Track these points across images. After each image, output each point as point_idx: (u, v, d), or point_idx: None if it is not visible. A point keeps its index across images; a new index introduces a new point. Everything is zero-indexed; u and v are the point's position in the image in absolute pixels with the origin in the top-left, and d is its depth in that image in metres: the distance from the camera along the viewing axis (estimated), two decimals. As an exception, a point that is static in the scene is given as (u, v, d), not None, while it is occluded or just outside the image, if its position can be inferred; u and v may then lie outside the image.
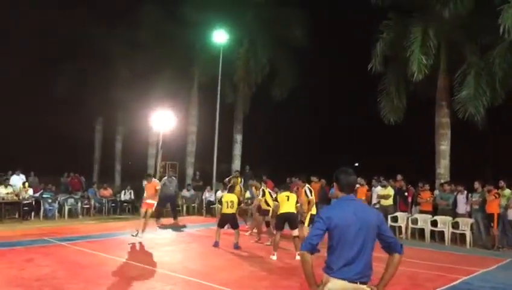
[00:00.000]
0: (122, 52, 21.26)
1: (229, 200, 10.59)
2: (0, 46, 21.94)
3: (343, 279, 3.22)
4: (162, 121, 16.91)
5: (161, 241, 11.21)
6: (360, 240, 3.22)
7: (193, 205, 18.02)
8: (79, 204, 16.04)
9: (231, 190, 11.16)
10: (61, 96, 22.44)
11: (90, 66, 21.96)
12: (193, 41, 19.59)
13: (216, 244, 10.43)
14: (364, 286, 3.22)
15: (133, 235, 11.15)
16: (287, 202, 9.51)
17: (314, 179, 13.40)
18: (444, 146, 15.15)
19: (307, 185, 10.10)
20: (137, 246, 10.32)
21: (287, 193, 9.66)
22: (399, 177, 14.86)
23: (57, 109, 23.24)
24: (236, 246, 10.27)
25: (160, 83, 20.55)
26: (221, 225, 10.74)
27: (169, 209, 15.33)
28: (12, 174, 15.87)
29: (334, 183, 3.51)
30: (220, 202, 11.08)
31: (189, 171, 21.50)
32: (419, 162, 17.41)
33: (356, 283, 3.21)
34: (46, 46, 22.00)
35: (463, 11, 13.53)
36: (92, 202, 16.70)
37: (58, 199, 15.60)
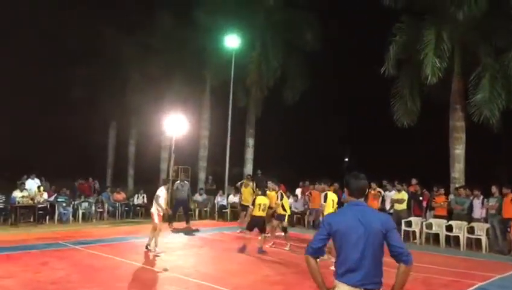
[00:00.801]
0: (136, 57, 21.47)
1: (262, 203, 10.50)
2: (16, 50, 22.33)
3: (348, 284, 3.23)
4: (175, 125, 16.94)
5: (174, 245, 11.25)
6: (363, 245, 3.21)
7: (205, 209, 18.06)
8: (93, 208, 16.20)
9: (264, 192, 11.04)
10: (75, 101, 22.75)
11: (104, 70, 22.23)
12: (205, 45, 19.68)
13: (243, 250, 10.25)
14: None
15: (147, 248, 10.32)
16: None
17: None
18: (458, 150, 14.97)
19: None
20: (151, 251, 10.34)
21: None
22: (414, 181, 14.75)
23: (71, 113, 23.58)
24: (261, 251, 10.23)
25: (172, 87, 20.73)
26: (250, 227, 10.56)
27: (181, 213, 15.38)
28: (27, 179, 16.09)
29: (345, 188, 3.53)
30: (253, 204, 10.80)
31: (202, 175, 21.57)
32: (433, 166, 17.18)
33: (360, 289, 3.20)
34: (61, 51, 22.35)
35: (477, 12, 13.36)
36: (106, 206, 16.84)
37: (73, 202, 15.77)
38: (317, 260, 3.37)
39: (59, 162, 23.96)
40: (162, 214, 10.51)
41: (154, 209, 10.30)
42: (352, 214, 3.33)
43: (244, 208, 12.38)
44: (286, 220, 11.51)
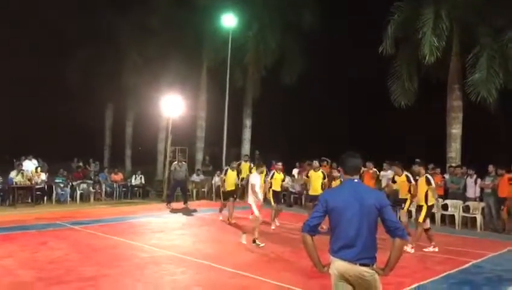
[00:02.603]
0: (133, 38, 21.20)
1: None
2: (12, 34, 22.04)
3: (343, 260, 3.29)
4: (172, 106, 16.94)
5: (172, 225, 11.32)
6: (358, 221, 3.27)
7: (203, 189, 18.14)
8: (91, 189, 16.23)
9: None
10: (71, 83, 22.55)
11: (100, 52, 21.96)
12: (202, 25, 19.44)
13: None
14: (365, 268, 3.26)
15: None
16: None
17: (323, 162, 13.28)
18: (455, 130, 14.98)
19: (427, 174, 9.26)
20: (149, 230, 10.44)
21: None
22: (417, 160, 14.73)
23: (68, 95, 23.40)
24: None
25: (169, 68, 20.54)
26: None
27: (179, 193, 15.44)
28: (24, 159, 16.06)
29: (340, 167, 3.63)
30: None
31: (199, 156, 21.59)
32: (430, 146, 17.21)
33: (356, 264, 3.25)
34: (57, 33, 22.05)
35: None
36: (103, 186, 16.88)
37: (70, 183, 15.80)
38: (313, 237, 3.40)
39: (57, 144, 23.93)
40: (260, 203, 9.39)
41: (251, 200, 9.10)
42: (347, 191, 3.41)
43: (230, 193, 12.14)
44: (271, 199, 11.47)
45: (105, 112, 26.49)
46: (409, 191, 9.53)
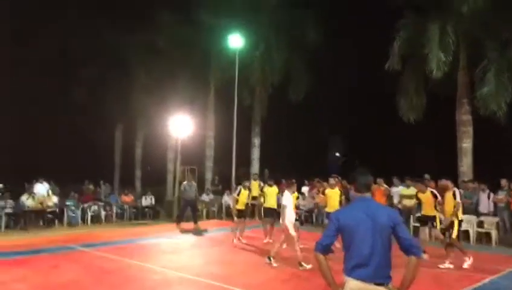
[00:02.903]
0: (140, 58, 21.52)
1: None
2: (21, 53, 22.45)
3: (357, 279, 3.23)
4: (180, 126, 17.04)
5: (183, 246, 11.28)
6: (371, 239, 3.23)
7: (213, 209, 18.09)
8: (101, 211, 16.27)
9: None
10: (81, 103, 22.84)
11: (109, 72, 22.29)
12: (209, 45, 19.68)
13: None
14: (381, 287, 3.19)
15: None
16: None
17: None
18: (466, 144, 14.88)
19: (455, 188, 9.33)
20: (160, 251, 10.40)
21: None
22: (426, 176, 14.64)
23: (78, 117, 23.67)
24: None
25: (177, 88, 20.74)
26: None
27: (190, 213, 15.40)
28: (36, 183, 16.18)
29: (352, 184, 3.61)
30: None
31: (208, 175, 21.59)
32: (441, 161, 17.09)
33: (370, 283, 3.20)
34: (66, 53, 22.46)
35: (482, 6, 13.28)
36: (114, 208, 16.91)
37: (82, 205, 15.86)
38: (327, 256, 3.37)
39: (66, 166, 24.10)
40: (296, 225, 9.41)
41: (287, 222, 8.90)
42: (359, 209, 3.38)
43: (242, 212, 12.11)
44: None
45: (114, 133, 26.72)
46: (435, 207, 9.52)
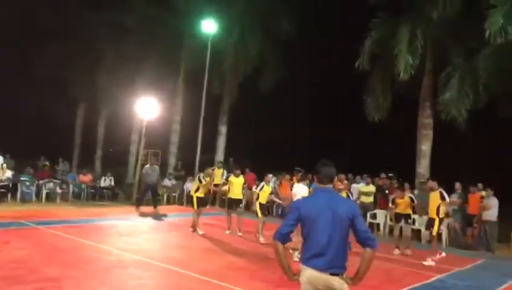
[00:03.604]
0: (108, 36, 20.88)
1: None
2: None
3: (313, 268, 3.30)
4: (146, 108, 16.77)
5: (141, 229, 11.16)
6: (330, 230, 3.29)
7: (174, 194, 17.97)
8: (57, 188, 15.82)
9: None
10: (43, 78, 22.02)
11: (74, 48, 21.55)
12: (181, 29, 19.38)
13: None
14: (335, 277, 3.27)
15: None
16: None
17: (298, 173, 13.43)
18: (425, 146, 15.38)
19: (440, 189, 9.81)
20: (117, 233, 10.26)
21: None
22: (382, 175, 15.10)
23: (39, 92, 22.81)
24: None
25: (145, 70, 20.32)
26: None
27: (150, 197, 15.25)
28: (-10, 155, 15.55)
29: (314, 175, 3.67)
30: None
31: (172, 160, 21.38)
32: (400, 161, 17.61)
33: (325, 273, 3.27)
34: (29, 28, 21.53)
35: (451, 13, 13.67)
36: (71, 187, 16.49)
37: (37, 182, 15.37)
38: (285, 245, 3.42)
39: (24, 141, 23.27)
40: None
41: None
42: (320, 200, 3.42)
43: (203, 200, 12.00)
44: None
45: (77, 111, 25.99)
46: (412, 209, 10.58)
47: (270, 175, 11.42)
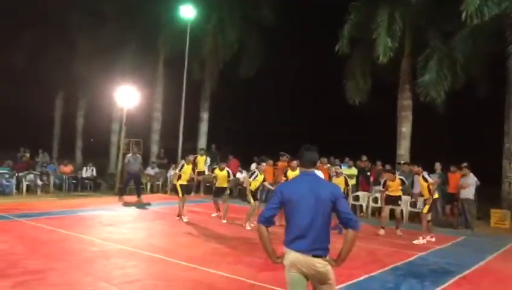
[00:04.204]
0: (85, 23, 20.40)
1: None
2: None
3: (296, 251, 3.33)
4: (126, 96, 16.53)
5: (124, 219, 11.07)
6: (312, 213, 3.31)
7: (157, 183, 17.86)
8: (38, 180, 15.55)
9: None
10: (19, 68, 21.44)
11: (50, 36, 20.99)
12: (159, 14, 19.06)
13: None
14: (318, 259, 3.30)
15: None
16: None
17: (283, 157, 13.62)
18: (405, 128, 15.59)
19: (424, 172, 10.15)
20: (100, 224, 10.15)
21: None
22: (364, 157, 15.23)
23: (15, 82, 22.25)
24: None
25: (124, 57, 19.97)
26: None
27: (133, 186, 15.13)
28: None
29: (298, 160, 3.70)
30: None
31: (154, 148, 21.21)
32: (381, 143, 17.81)
33: (308, 255, 3.30)
34: (3, 13, 20.84)
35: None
36: (52, 178, 16.23)
37: (16, 174, 15.08)
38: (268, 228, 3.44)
39: (3, 133, 22.75)
40: None
41: None
42: (303, 183, 3.45)
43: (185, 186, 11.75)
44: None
45: (55, 101, 25.49)
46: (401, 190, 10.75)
47: (264, 164, 11.22)
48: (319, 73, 22.14)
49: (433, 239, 9.80)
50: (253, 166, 17.20)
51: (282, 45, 21.76)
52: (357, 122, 21.16)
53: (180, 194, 11.21)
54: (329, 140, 21.83)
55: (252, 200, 10.75)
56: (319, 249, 3.32)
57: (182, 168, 11.38)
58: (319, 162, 10.70)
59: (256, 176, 10.91)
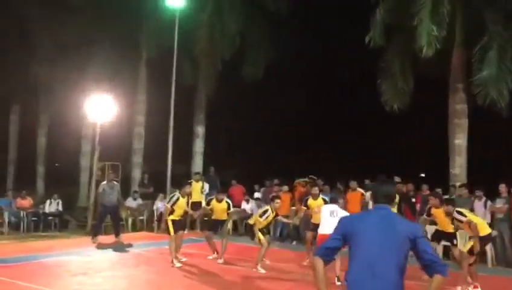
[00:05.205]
0: (45, 18, 20.70)
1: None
2: None
3: None
4: (100, 108, 16.66)
5: (100, 266, 11.04)
6: (385, 252, 3.47)
7: (141, 217, 17.87)
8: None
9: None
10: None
11: (2, 34, 21.32)
12: (140, 4, 19.33)
13: None
14: None
15: None
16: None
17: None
18: (459, 140, 15.44)
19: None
20: (68, 272, 10.13)
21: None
22: (397, 179, 15.10)
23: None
24: None
25: (96, 60, 20.20)
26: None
27: (110, 223, 15.13)
28: None
29: (371, 194, 4.27)
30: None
31: (136, 173, 21.30)
32: (429, 161, 17.75)
33: None
34: None
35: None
36: (6, 215, 16.31)
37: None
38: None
39: None
40: None
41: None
42: (374, 217, 3.71)
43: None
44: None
45: (9, 115, 25.77)
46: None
47: (278, 201, 11.31)
48: (345, 71, 22.19)
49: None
50: (258, 195, 17.27)
51: (296, 39, 21.87)
52: (397, 133, 21.09)
53: (172, 232, 11.18)
54: (358, 156, 21.87)
55: (261, 237, 10.81)
56: None
57: (175, 202, 11.38)
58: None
59: (269, 215, 11.01)
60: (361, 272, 3.47)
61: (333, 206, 10.33)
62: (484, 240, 9.60)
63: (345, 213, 9.50)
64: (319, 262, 3.58)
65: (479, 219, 9.88)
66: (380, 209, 3.75)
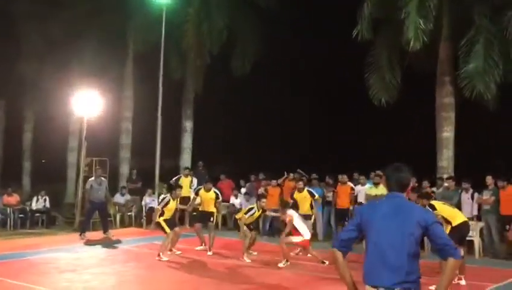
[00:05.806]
0: (31, 13, 20.52)
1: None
2: None
3: (376, 286, 3.50)
4: (87, 103, 16.58)
5: (88, 262, 11.05)
6: (398, 240, 3.52)
7: (129, 213, 17.84)
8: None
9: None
10: None
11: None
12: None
13: None
14: None
15: None
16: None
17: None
18: (447, 133, 15.52)
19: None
20: (56, 269, 10.12)
21: None
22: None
23: None
24: None
25: (83, 54, 20.11)
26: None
27: (98, 219, 15.08)
28: None
29: (385, 182, 4.15)
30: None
31: (124, 169, 21.24)
32: (416, 153, 17.81)
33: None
34: None
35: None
36: (-8, 212, 16.23)
37: None
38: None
39: None
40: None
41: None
42: (388, 206, 3.73)
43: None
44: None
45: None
46: None
47: (264, 200, 11.62)
48: (332, 64, 22.18)
49: (463, 282, 9.14)
50: (244, 190, 17.28)
51: (286, 32, 21.83)
52: (384, 127, 21.16)
53: (168, 230, 11.40)
54: (351, 151, 21.91)
55: (246, 230, 11.28)
56: (408, 282, 3.45)
57: (166, 204, 11.54)
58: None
59: (254, 213, 11.32)
60: (374, 260, 3.54)
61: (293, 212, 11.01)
62: (459, 229, 9.29)
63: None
64: (339, 254, 3.66)
65: (449, 208, 9.67)
66: (393, 197, 3.78)
